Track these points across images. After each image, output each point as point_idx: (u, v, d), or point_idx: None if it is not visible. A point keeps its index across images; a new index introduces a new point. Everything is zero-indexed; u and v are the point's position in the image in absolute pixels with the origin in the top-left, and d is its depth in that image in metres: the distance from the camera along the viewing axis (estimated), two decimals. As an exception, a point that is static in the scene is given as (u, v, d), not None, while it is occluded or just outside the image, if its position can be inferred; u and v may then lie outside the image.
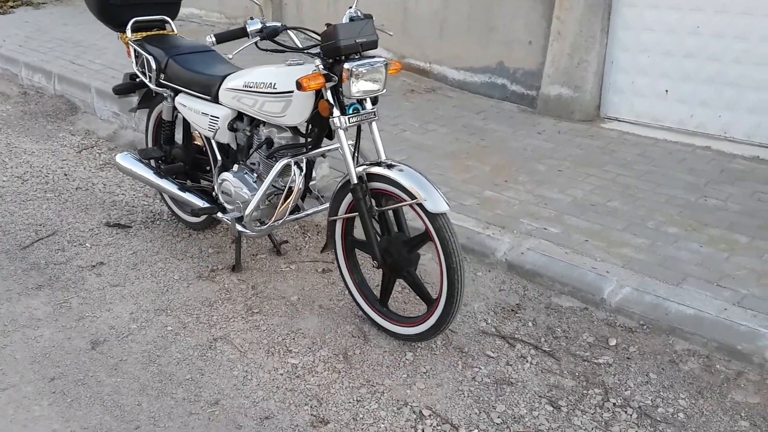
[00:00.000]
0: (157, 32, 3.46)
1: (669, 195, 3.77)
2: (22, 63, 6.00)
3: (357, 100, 2.65)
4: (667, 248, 3.21)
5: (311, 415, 2.37)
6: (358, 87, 2.54)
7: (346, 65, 2.50)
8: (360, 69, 2.51)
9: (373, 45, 2.60)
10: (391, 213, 2.71)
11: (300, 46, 2.76)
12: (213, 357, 2.68)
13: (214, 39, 2.55)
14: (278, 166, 2.79)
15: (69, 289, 3.11)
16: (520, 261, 3.14)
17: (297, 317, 2.93)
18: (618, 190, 3.85)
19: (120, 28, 3.41)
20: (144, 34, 3.43)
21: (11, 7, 8.00)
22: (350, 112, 2.63)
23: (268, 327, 2.87)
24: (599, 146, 4.50)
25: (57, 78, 5.67)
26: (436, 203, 2.45)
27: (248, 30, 2.57)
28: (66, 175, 4.37)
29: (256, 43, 2.59)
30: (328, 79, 2.56)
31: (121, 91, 3.52)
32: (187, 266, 3.32)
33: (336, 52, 2.51)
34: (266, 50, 2.62)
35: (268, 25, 2.58)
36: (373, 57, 2.61)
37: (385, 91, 2.67)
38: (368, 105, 2.68)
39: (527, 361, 2.67)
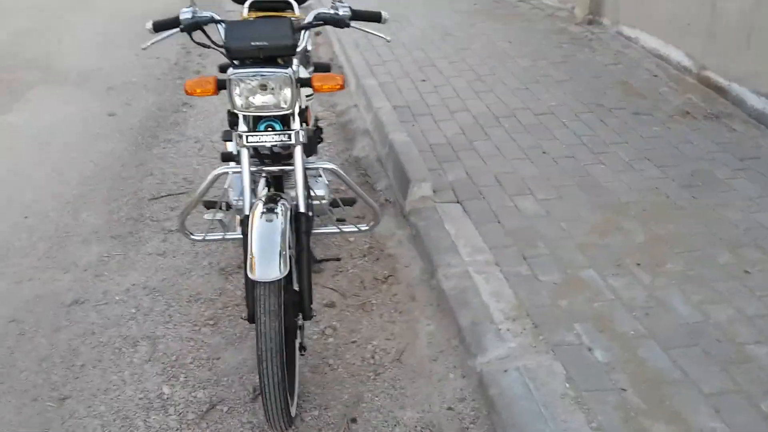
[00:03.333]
0: (273, 14, 3.32)
1: None
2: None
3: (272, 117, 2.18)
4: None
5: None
6: (245, 100, 2.09)
7: (228, 72, 2.07)
8: (241, 78, 2.05)
9: (284, 50, 2.08)
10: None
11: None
12: (123, 352, 2.62)
13: (151, 26, 2.33)
14: (211, 174, 2.48)
15: (129, 246, 3.34)
16: (491, 379, 2.24)
17: (235, 347, 2.64)
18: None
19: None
20: (260, 14, 3.33)
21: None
22: (261, 128, 2.18)
23: (204, 344, 2.65)
24: None
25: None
26: (257, 267, 1.91)
27: (180, 19, 2.28)
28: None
29: (190, 36, 2.29)
30: (223, 86, 2.15)
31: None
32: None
33: (228, 54, 2.09)
34: (198, 44, 2.31)
35: (197, 15, 2.25)
36: (280, 67, 2.09)
37: (291, 110, 2.12)
38: (295, 125, 2.18)
39: None
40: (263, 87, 2.09)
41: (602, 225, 3.09)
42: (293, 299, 2.17)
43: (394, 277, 3.00)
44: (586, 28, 6.00)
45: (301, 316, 2.21)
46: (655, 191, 3.38)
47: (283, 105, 2.10)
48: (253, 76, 2.04)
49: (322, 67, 3.33)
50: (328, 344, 2.63)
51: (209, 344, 2.64)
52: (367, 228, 2.76)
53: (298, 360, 2.36)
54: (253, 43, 2.05)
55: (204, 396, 2.38)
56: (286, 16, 2.17)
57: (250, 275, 1.90)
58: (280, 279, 1.92)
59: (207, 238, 2.67)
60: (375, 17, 2.42)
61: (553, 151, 3.81)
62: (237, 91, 2.07)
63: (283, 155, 2.44)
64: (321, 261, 3.14)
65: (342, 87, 2.20)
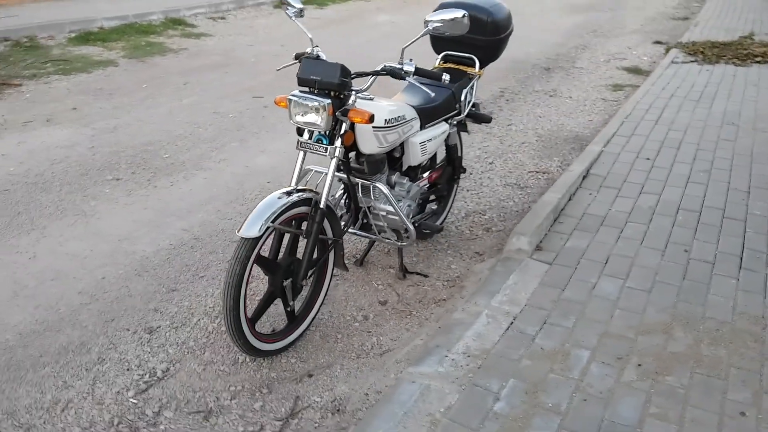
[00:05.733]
0: (454, 66, 4.00)
1: None
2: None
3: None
4: None
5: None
6: (296, 116, 2.89)
7: (289, 94, 2.90)
8: (294, 99, 2.86)
9: (331, 86, 2.81)
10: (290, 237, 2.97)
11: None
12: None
13: (294, 55, 3.21)
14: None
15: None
16: (398, 383, 2.65)
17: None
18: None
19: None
20: (446, 65, 4.06)
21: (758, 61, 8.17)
22: (315, 140, 2.97)
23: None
24: None
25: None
26: (244, 225, 2.68)
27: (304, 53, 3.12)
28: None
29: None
30: None
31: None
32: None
33: (298, 80, 2.91)
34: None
35: (311, 54, 3.07)
36: (326, 97, 2.82)
37: (325, 130, 2.83)
38: (338, 142, 2.90)
39: None
40: (315, 109, 2.84)
41: (653, 326, 3.03)
42: (288, 264, 2.89)
43: (445, 302, 3.43)
44: None
45: (290, 280, 2.91)
46: (756, 320, 3.10)
47: (319, 124, 2.83)
48: (299, 98, 2.82)
49: (481, 118, 3.91)
50: (351, 327, 3.25)
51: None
52: (400, 244, 3.31)
53: (310, 318, 3.08)
54: (311, 77, 2.83)
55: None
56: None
57: (237, 230, 2.70)
58: (256, 238, 2.67)
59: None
60: (437, 76, 2.99)
61: (696, 253, 3.67)
62: (291, 107, 2.87)
63: (359, 169, 3.18)
64: (411, 273, 3.72)
65: (367, 121, 2.82)
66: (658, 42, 10.49)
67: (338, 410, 2.68)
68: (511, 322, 3.02)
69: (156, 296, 3.40)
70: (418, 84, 3.17)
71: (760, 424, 2.46)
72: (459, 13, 2.87)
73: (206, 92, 7.07)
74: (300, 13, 3.17)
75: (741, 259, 3.60)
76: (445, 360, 2.75)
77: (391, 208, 3.26)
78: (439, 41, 4.02)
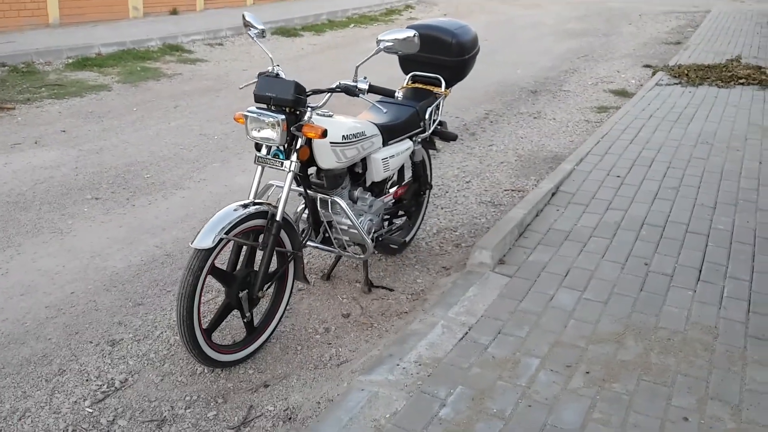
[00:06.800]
0: (421, 86, 4.10)
1: None
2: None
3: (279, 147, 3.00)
4: None
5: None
6: (252, 132, 2.97)
7: (247, 109, 2.98)
8: (250, 115, 2.94)
9: (286, 102, 2.90)
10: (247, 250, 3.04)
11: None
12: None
13: (257, 74, 3.32)
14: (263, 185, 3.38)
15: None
16: (349, 391, 2.70)
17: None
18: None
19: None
20: (414, 85, 4.16)
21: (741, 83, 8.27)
22: (272, 155, 3.04)
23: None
24: None
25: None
26: (198, 236, 2.75)
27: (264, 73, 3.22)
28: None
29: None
30: None
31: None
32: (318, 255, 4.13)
33: (254, 97, 3.00)
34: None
35: (271, 72, 3.16)
36: (281, 113, 2.90)
37: (279, 145, 2.91)
38: (293, 157, 2.97)
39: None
40: (271, 124, 2.92)
41: (605, 336, 3.08)
42: (245, 276, 2.96)
43: (407, 314, 3.49)
44: None
45: (246, 291, 2.97)
46: (708, 330, 3.15)
47: (274, 139, 2.92)
48: (255, 115, 2.90)
49: (446, 136, 4.00)
50: (312, 339, 3.30)
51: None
52: (359, 257, 3.38)
53: (269, 330, 3.12)
54: (266, 93, 2.92)
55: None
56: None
57: (190, 242, 2.77)
58: (209, 249, 2.73)
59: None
60: (390, 93, 3.08)
61: (656, 266, 3.72)
62: (248, 123, 2.95)
63: (319, 184, 3.26)
64: (376, 287, 3.78)
65: (320, 136, 2.90)
66: (647, 66, 10.60)
67: (290, 418, 2.72)
68: (466, 332, 3.07)
69: (122, 310, 3.47)
70: (381, 102, 3.25)
71: (701, 428, 2.49)
72: (410, 33, 2.97)
73: (195, 115, 7.20)
74: (262, 34, 3.28)
75: (700, 271, 3.65)
76: (396, 368, 2.80)
77: (350, 222, 3.33)
78: (407, 62, 4.13)
